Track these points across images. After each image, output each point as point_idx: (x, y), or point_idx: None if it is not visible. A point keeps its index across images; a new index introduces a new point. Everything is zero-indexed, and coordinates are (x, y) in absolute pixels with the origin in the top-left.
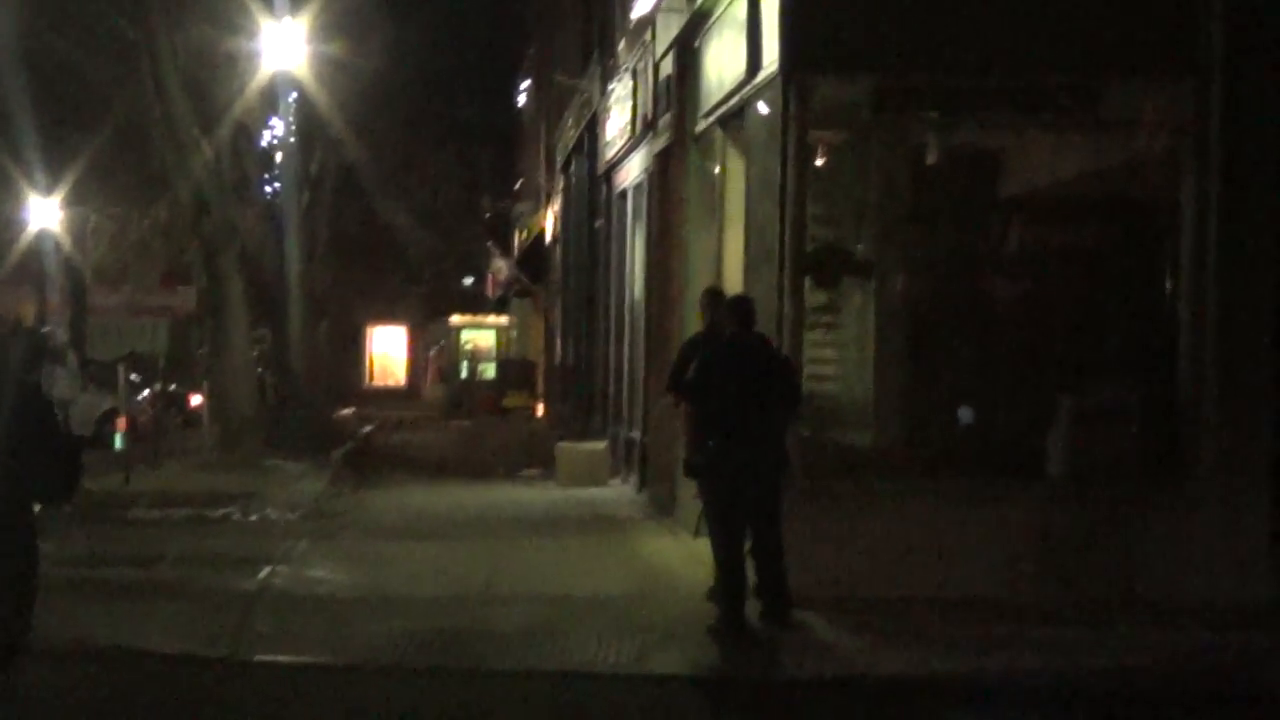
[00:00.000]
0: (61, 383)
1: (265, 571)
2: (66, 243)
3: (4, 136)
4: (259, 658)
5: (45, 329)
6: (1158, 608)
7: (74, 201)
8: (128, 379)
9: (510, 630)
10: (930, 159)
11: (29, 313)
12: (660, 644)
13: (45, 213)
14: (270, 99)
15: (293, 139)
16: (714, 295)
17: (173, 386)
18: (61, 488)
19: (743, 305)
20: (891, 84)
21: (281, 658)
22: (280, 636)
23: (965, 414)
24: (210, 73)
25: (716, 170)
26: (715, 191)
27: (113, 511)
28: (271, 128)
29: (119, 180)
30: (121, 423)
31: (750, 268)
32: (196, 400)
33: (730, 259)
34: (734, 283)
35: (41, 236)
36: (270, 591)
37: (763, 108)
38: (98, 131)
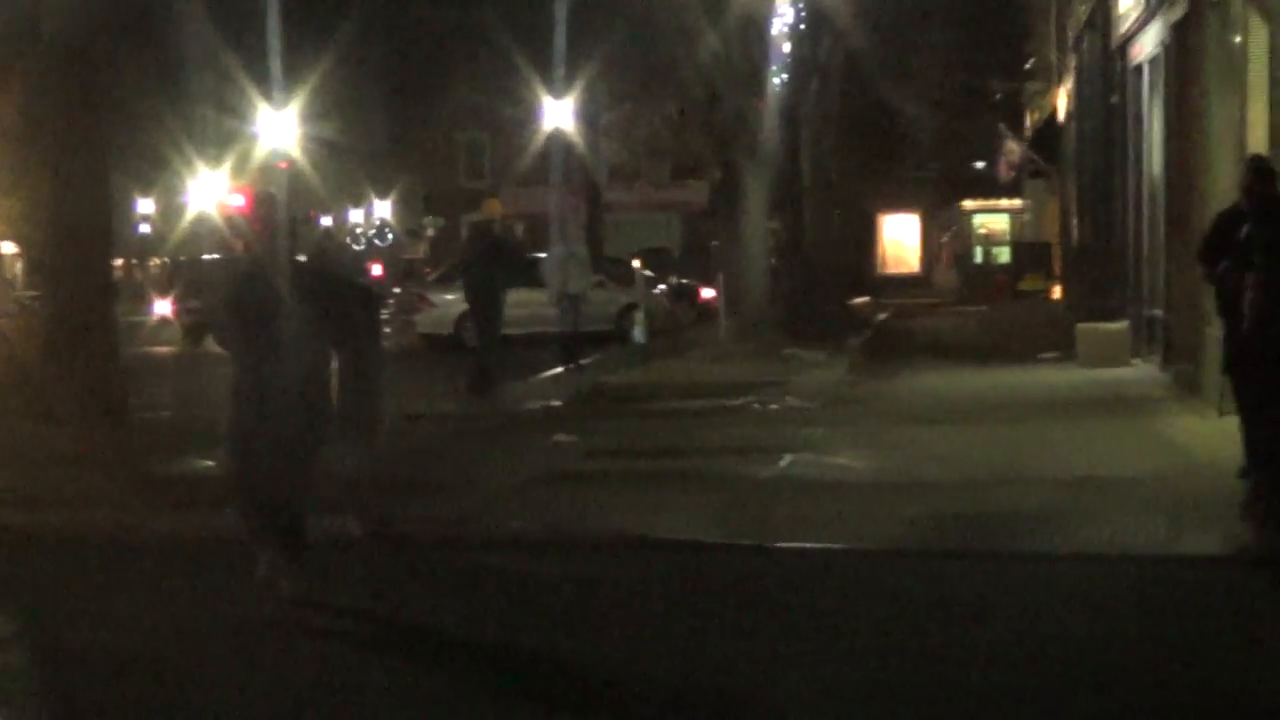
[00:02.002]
0: (574, 277)
1: (786, 459)
2: (579, 142)
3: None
4: (782, 544)
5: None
6: None
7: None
8: (643, 274)
9: (1034, 512)
10: None
11: (495, 211)
12: (1192, 524)
13: (558, 113)
14: None
15: (801, 26)
16: (1259, 169)
17: (685, 280)
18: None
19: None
20: None
21: (805, 544)
22: (803, 522)
23: None
24: None
25: (1237, 40)
26: (1236, 61)
27: (634, 404)
28: (780, 15)
29: (628, 77)
30: (638, 316)
31: (1277, 140)
32: (708, 293)
33: (1254, 131)
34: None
35: (555, 136)
36: (791, 478)
37: None
38: (605, 29)
